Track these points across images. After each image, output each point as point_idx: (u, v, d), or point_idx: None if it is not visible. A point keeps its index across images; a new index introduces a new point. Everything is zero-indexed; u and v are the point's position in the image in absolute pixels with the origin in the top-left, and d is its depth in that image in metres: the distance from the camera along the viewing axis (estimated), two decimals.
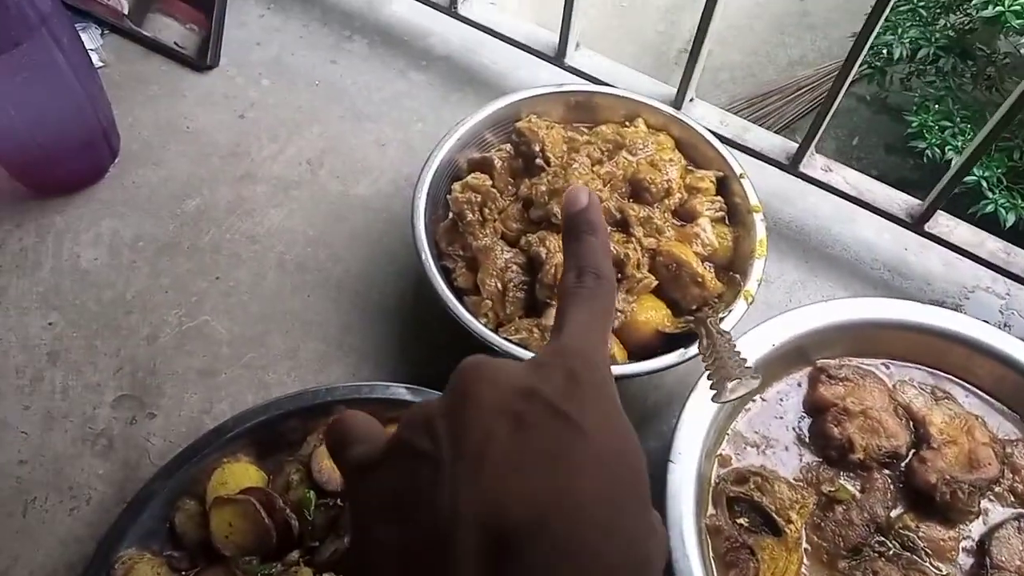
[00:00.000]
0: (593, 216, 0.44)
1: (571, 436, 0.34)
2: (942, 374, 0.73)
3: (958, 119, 1.93)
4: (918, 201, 0.81)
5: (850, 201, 0.82)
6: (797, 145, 0.82)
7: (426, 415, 0.36)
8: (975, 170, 1.88)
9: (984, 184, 1.84)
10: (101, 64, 0.96)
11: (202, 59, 0.96)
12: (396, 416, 0.70)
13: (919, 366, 0.73)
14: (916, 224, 0.80)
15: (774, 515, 0.63)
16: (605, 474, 0.34)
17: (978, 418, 0.70)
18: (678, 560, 0.59)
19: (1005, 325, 0.83)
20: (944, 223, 0.80)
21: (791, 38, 3.33)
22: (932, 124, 1.93)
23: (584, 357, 0.38)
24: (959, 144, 1.87)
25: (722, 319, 0.68)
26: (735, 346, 0.60)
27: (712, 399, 0.58)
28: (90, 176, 0.86)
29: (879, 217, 0.84)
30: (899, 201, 0.81)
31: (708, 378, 0.59)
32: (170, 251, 0.83)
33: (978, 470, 0.66)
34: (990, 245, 0.79)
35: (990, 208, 1.80)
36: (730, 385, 0.55)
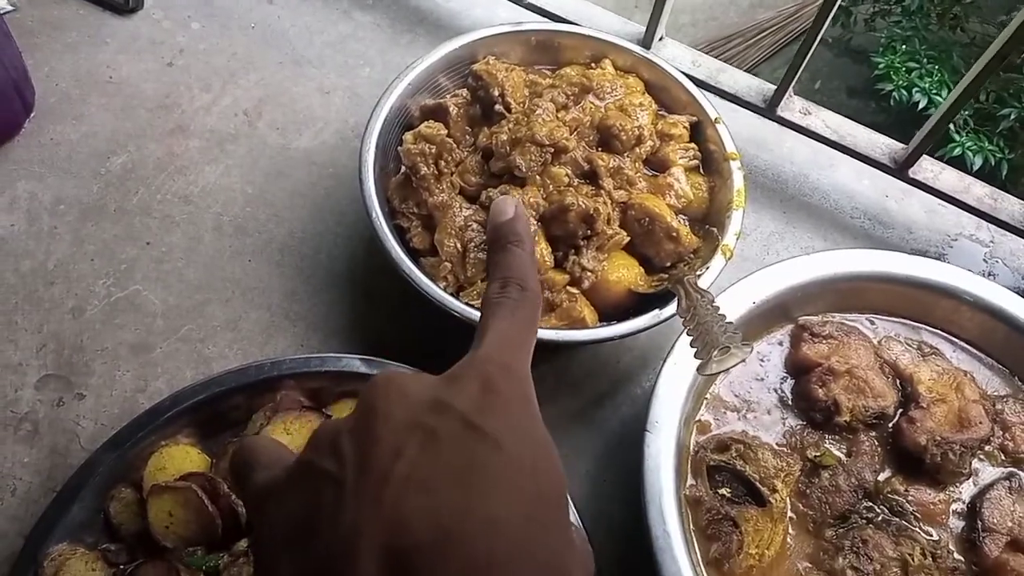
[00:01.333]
0: (519, 227, 0.43)
1: (484, 450, 0.33)
2: (929, 328, 0.70)
3: (924, 59, 1.89)
4: (902, 145, 0.76)
5: (830, 146, 0.77)
6: (774, 87, 0.77)
7: (333, 432, 0.34)
8: None
9: (952, 127, 1.81)
10: (10, 8, 0.86)
11: (125, 1, 0.87)
12: (349, 390, 0.65)
13: (905, 320, 0.70)
14: (900, 169, 0.75)
15: (758, 485, 0.59)
16: (519, 490, 0.32)
17: (967, 374, 0.67)
18: (658, 537, 0.55)
19: (990, 274, 0.80)
20: (929, 168, 0.76)
21: None
22: (899, 65, 1.89)
23: (502, 366, 0.36)
24: (926, 85, 1.84)
25: (699, 276, 0.64)
26: (718, 308, 0.55)
27: (697, 370, 0.53)
28: (1, 133, 0.78)
29: (859, 163, 0.79)
30: (882, 145, 0.77)
31: (691, 345, 0.54)
32: (95, 215, 0.75)
33: (969, 429, 0.63)
34: (976, 191, 0.75)
35: (957, 151, 1.78)
36: (716, 354, 0.50)
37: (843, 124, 0.77)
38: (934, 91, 1.83)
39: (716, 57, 2.75)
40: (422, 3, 0.90)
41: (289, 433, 0.61)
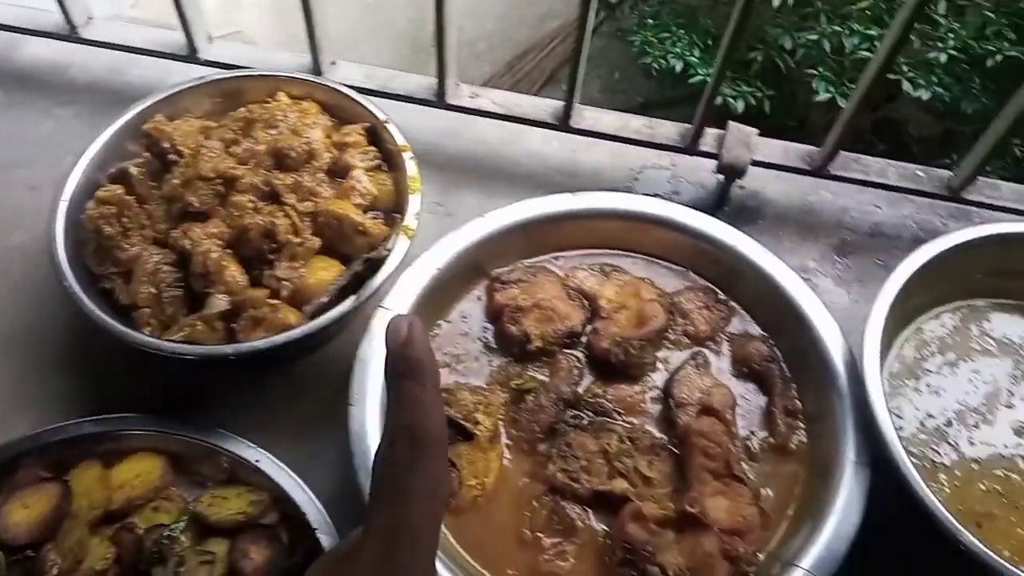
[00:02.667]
0: (412, 352, 0.35)
1: None
2: (610, 251, 0.78)
3: (674, 27, 2.05)
4: (561, 102, 0.85)
5: (502, 119, 0.86)
6: (436, 81, 0.85)
7: None
8: (699, 69, 2.01)
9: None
10: None
11: None
12: (87, 452, 0.67)
13: (588, 250, 0.78)
14: (563, 123, 0.84)
15: (462, 422, 0.65)
16: None
17: (645, 280, 0.75)
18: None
19: (674, 193, 0.89)
20: (589, 116, 0.85)
21: None
22: (653, 39, 2.04)
23: None
24: (679, 50, 1.99)
25: (384, 257, 0.70)
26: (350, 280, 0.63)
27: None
28: None
29: (546, 129, 0.88)
30: (546, 107, 0.86)
31: None
32: None
33: (645, 325, 0.71)
34: (634, 124, 0.85)
35: (719, 100, 1.92)
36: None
37: (509, 98, 0.86)
38: (687, 54, 1.98)
39: (516, 75, 2.87)
40: (119, 86, 0.95)
41: (27, 507, 0.64)
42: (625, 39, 2.88)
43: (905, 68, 1.85)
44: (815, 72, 1.88)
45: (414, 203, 0.74)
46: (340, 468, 0.70)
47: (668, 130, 0.85)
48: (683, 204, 0.78)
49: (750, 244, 0.74)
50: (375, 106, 0.80)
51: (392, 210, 0.77)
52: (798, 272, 0.82)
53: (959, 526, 0.59)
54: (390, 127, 0.79)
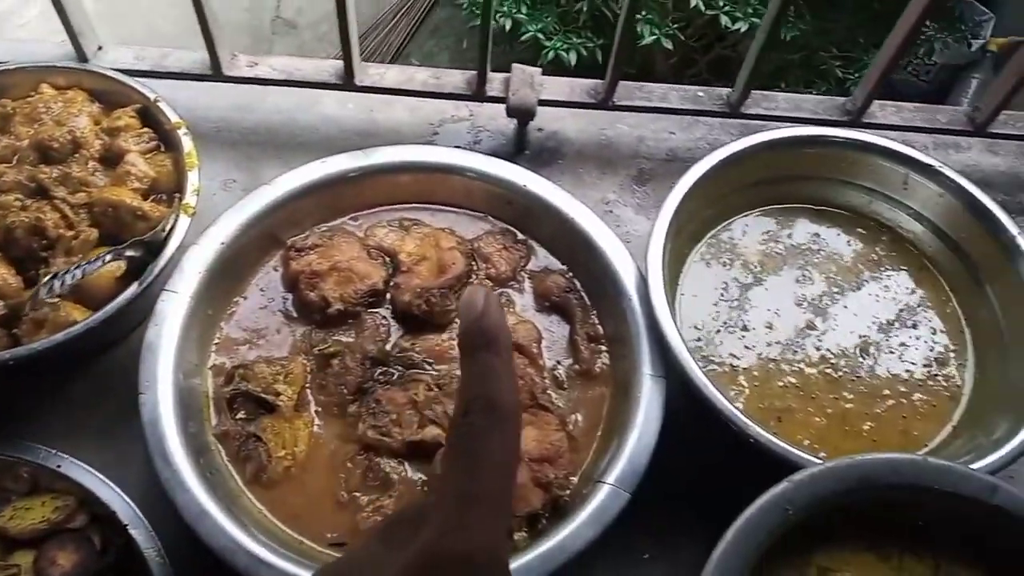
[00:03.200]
0: (487, 323, 0.36)
1: None
2: (409, 206, 0.78)
3: None
4: (341, 62, 0.84)
5: (284, 85, 0.84)
6: (209, 56, 0.82)
7: None
8: (530, 26, 2.02)
9: (541, 36, 1.98)
10: None
11: None
12: None
13: (386, 207, 0.77)
14: (347, 82, 0.83)
15: (262, 395, 0.64)
16: None
17: (445, 230, 0.75)
18: (168, 479, 0.58)
19: (475, 143, 0.89)
20: (373, 72, 0.84)
21: None
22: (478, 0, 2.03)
23: (458, 562, 0.31)
24: (506, 9, 1.99)
25: (161, 239, 0.67)
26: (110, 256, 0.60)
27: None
28: None
29: (344, 92, 0.87)
30: (327, 68, 0.84)
31: None
32: None
33: (446, 273, 0.71)
34: (420, 76, 0.85)
35: (551, 55, 1.95)
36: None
37: (290, 63, 0.84)
38: (514, 12, 1.99)
39: (364, 51, 2.80)
40: None
41: None
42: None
43: (721, 3, 1.91)
44: (639, 16, 1.92)
45: (192, 180, 0.72)
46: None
47: (455, 79, 0.85)
48: (484, 153, 0.79)
49: (540, 183, 0.75)
50: (144, 86, 0.77)
51: (176, 191, 0.75)
52: (599, 205, 0.85)
53: (747, 420, 0.62)
54: (161, 105, 0.76)
